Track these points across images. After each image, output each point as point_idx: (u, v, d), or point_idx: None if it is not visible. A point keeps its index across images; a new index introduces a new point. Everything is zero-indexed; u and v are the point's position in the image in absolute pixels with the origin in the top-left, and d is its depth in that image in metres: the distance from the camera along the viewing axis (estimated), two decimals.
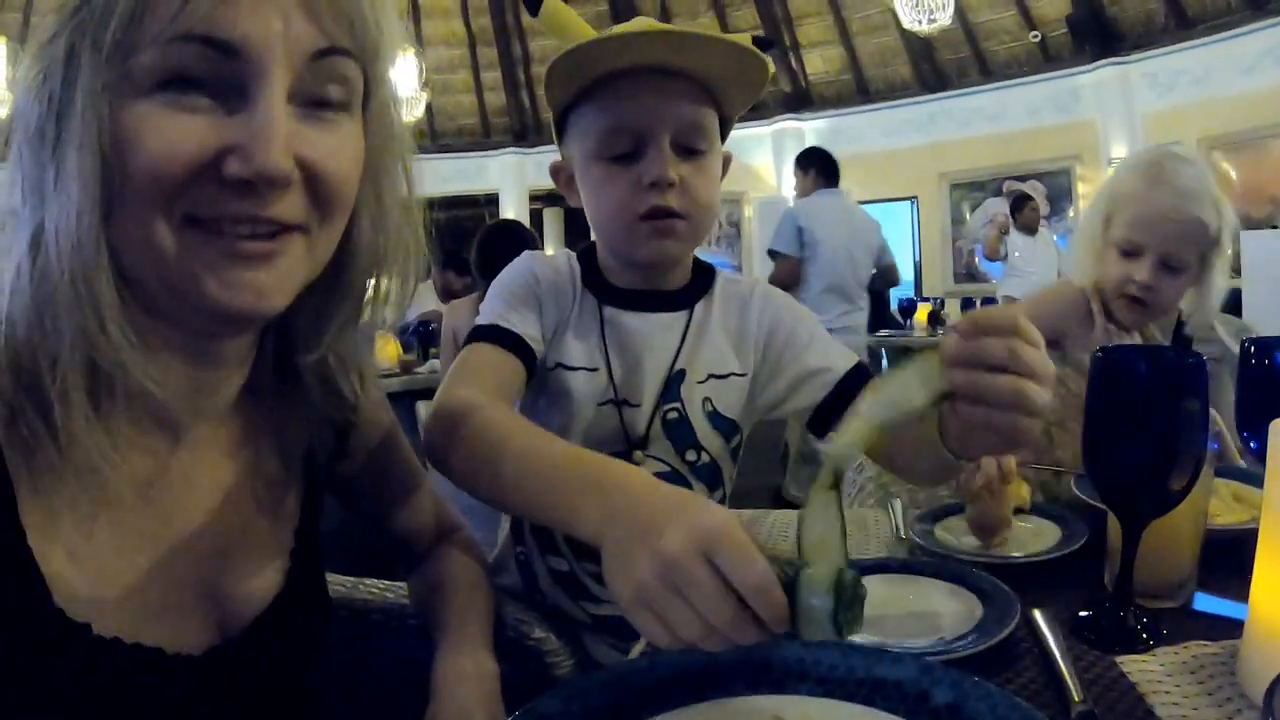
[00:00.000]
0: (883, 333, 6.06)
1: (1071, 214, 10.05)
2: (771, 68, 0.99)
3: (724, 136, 1.07)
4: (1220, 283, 1.55)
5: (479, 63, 11.37)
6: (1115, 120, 8.97)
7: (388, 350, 4.10)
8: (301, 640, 0.79)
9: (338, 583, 0.99)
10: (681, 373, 1.09)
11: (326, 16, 0.61)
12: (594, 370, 1.06)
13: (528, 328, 1.02)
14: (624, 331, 1.08)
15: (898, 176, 10.33)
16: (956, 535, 1.11)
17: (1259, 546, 0.71)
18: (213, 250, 0.60)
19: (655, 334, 1.09)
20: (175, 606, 0.67)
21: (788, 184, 10.75)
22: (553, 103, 1.05)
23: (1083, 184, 9.95)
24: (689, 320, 1.10)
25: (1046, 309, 1.56)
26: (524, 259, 1.10)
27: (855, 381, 1.07)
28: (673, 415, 1.08)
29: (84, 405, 0.59)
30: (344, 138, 0.65)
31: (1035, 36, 9.52)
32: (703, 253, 1.14)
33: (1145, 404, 0.78)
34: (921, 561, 1.03)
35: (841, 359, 1.09)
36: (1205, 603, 0.89)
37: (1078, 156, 9.60)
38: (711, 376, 1.10)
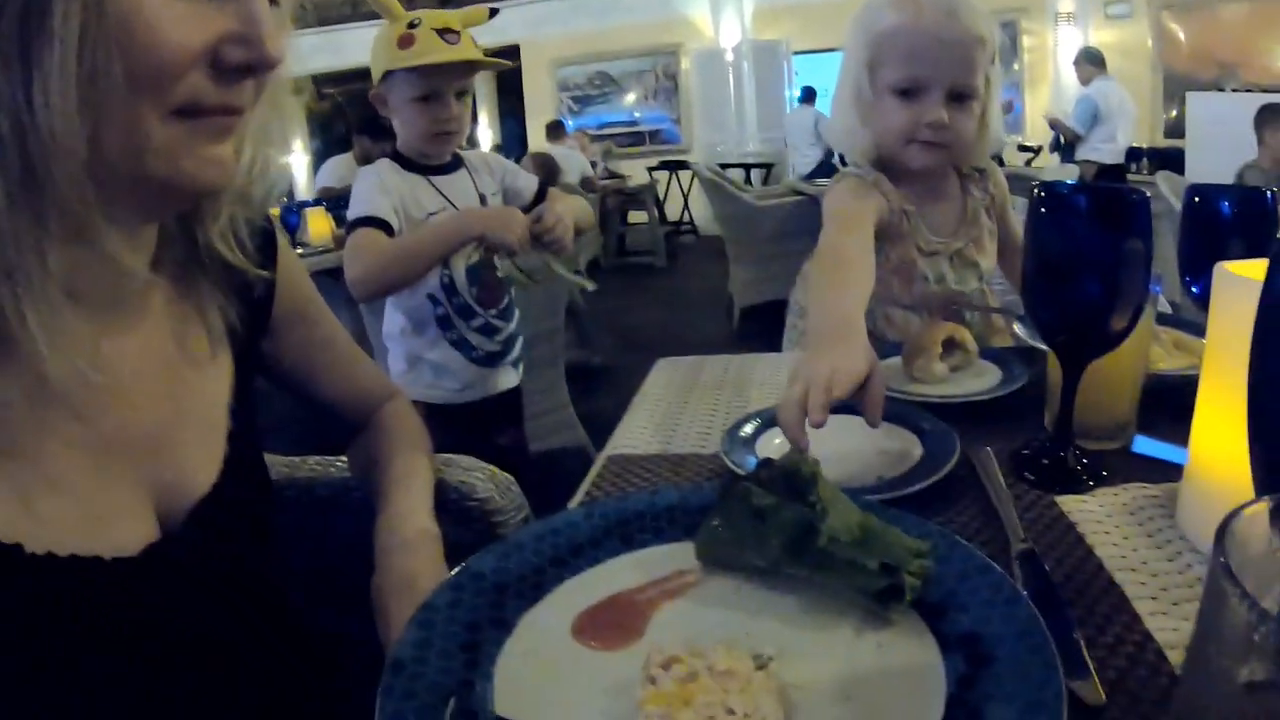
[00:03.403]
0: None
1: (1016, 68, 9.90)
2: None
3: None
4: (997, 105, 1.38)
5: None
6: None
7: (320, 225, 4.00)
8: (245, 525, 0.76)
9: (280, 464, 0.98)
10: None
11: None
12: (445, 207, 1.88)
13: (388, 213, 1.79)
14: (449, 181, 1.93)
15: (838, 25, 10.06)
16: (895, 374, 1.10)
17: (1201, 384, 0.72)
18: (191, 133, 0.59)
19: (459, 177, 1.96)
20: (111, 508, 0.64)
21: (725, 34, 10.39)
22: (381, 69, 1.80)
23: (1028, 38, 9.78)
24: (467, 169, 1.98)
25: (856, 210, 1.31)
26: (370, 172, 1.87)
27: (539, 198, 2.00)
28: (495, 200, 1.99)
29: (48, 292, 0.55)
30: (283, 25, 0.65)
31: None
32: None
33: (1087, 241, 0.77)
34: (858, 400, 1.02)
35: (530, 182, 2.06)
36: (1145, 445, 0.90)
37: (1023, 9, 9.41)
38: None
